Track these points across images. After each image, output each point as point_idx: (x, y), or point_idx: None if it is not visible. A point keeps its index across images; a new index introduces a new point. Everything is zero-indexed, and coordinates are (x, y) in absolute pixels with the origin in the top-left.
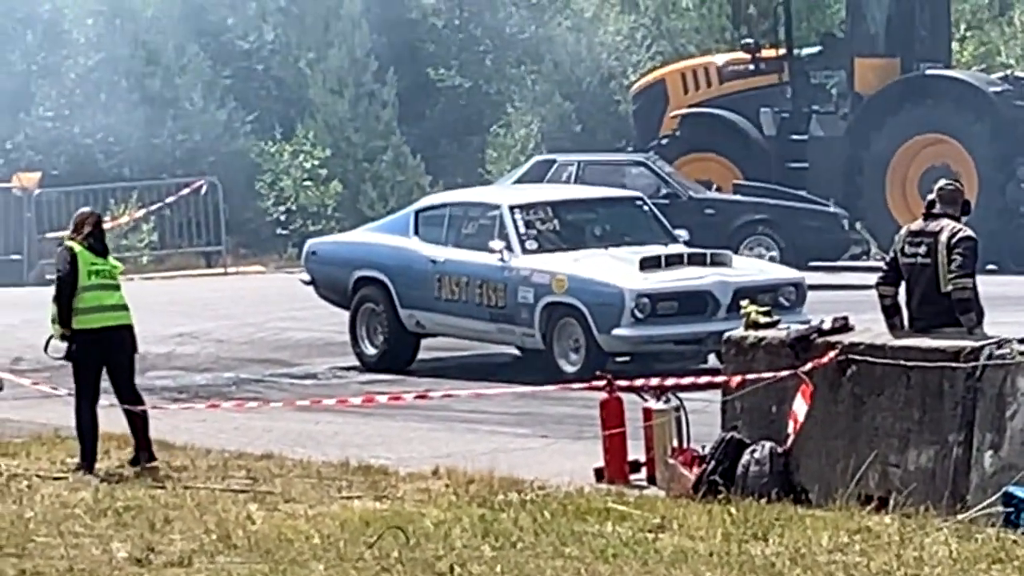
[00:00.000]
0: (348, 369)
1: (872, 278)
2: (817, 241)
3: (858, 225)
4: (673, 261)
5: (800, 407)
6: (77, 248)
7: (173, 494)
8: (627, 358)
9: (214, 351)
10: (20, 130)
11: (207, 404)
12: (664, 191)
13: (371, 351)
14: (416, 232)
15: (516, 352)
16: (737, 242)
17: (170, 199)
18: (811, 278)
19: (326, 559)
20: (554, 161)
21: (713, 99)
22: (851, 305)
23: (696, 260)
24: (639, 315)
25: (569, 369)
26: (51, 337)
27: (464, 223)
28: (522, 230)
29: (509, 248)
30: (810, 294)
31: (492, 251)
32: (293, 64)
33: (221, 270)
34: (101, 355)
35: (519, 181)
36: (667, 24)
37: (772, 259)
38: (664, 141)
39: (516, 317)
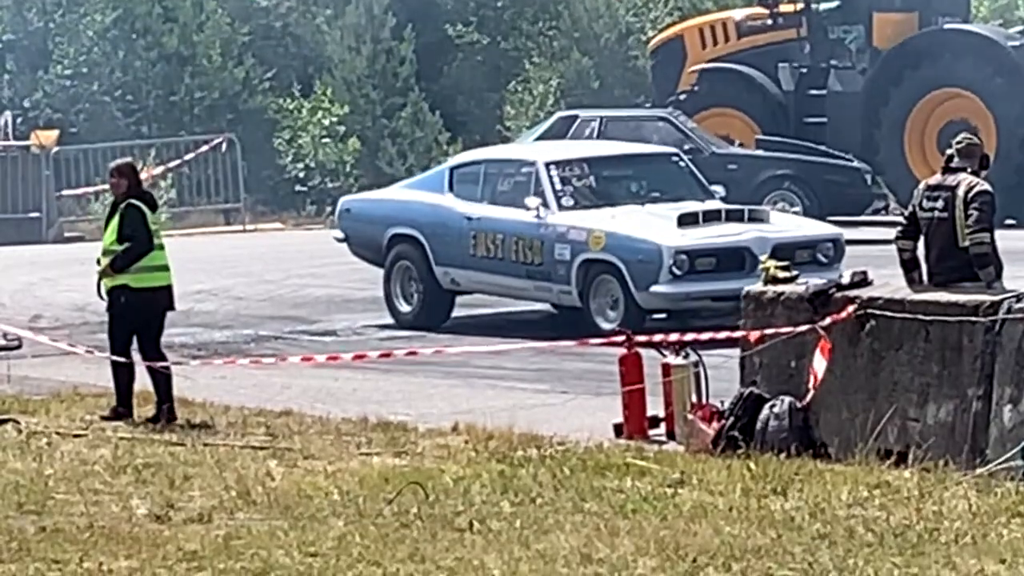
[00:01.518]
0: (380, 327)
1: (892, 233)
2: (840, 196)
3: (880, 180)
4: (711, 217)
5: (819, 363)
6: (144, 208)
7: (192, 451)
8: (664, 315)
9: (233, 308)
10: (38, 88)
11: (225, 361)
12: (687, 146)
13: (406, 309)
14: (451, 189)
15: (551, 310)
16: (760, 197)
17: (188, 156)
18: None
19: (345, 515)
20: (576, 117)
21: (731, 54)
22: (871, 260)
23: (734, 216)
24: (677, 272)
25: (606, 326)
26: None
27: (499, 180)
28: (558, 187)
29: (545, 205)
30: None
31: (528, 208)
32: (311, 21)
33: (240, 227)
34: (145, 312)
35: (541, 137)
36: None
37: (795, 214)
38: (682, 97)
39: (553, 274)
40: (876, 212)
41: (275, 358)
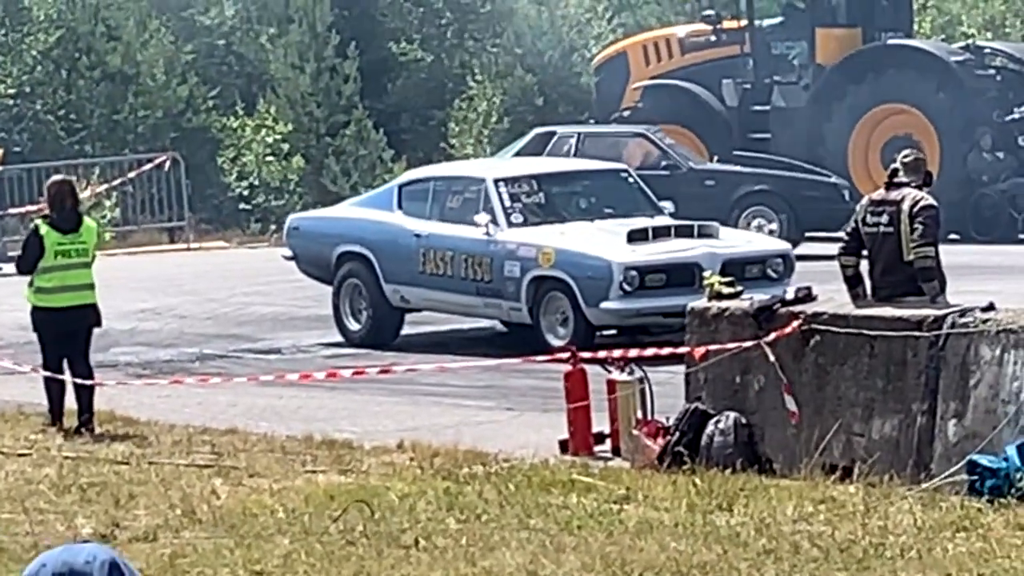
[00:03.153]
0: (325, 344)
1: None
2: (817, 212)
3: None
4: (660, 233)
5: (790, 403)
6: (44, 229)
7: (138, 470)
8: (615, 331)
9: (177, 327)
10: None
11: (170, 380)
12: (664, 163)
13: (355, 326)
14: (400, 206)
15: (500, 327)
16: (737, 213)
17: (132, 175)
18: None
19: (291, 533)
20: (554, 133)
21: (675, 71)
22: (821, 276)
23: (683, 232)
24: (627, 288)
25: (556, 343)
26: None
27: (448, 197)
28: (507, 203)
29: (494, 222)
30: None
31: (477, 225)
32: (254, 39)
33: (184, 246)
34: (60, 330)
35: (518, 154)
36: None
37: (771, 232)
38: (626, 113)
39: (503, 291)
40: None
41: (220, 376)
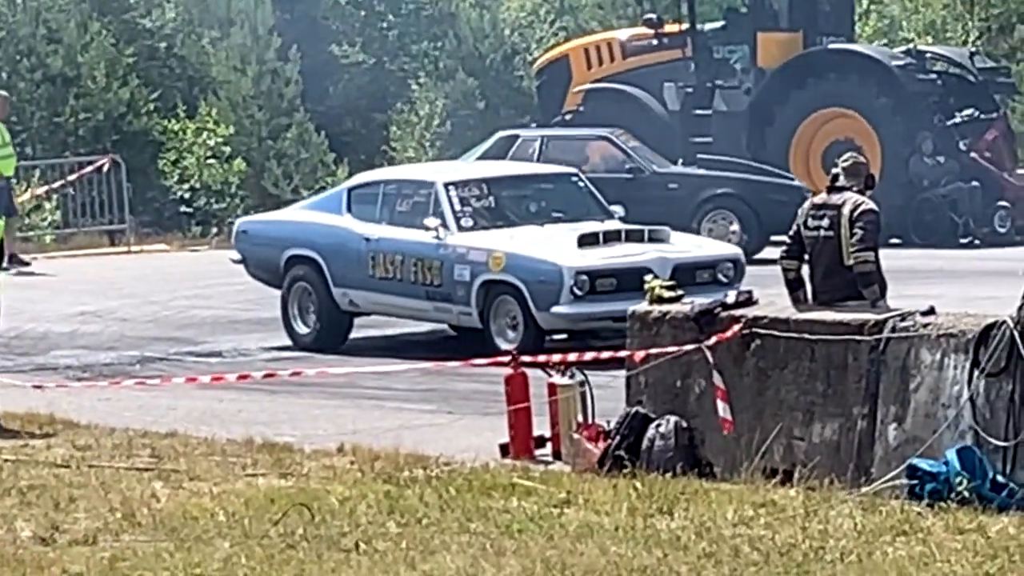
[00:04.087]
0: (266, 348)
1: None
2: (781, 215)
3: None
4: (611, 237)
5: (723, 409)
6: None
7: (77, 473)
8: (565, 335)
9: (118, 330)
10: None
11: (110, 382)
12: (628, 166)
13: (304, 330)
14: (349, 210)
15: (448, 331)
16: (700, 216)
17: (72, 178)
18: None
19: (231, 536)
20: (517, 136)
21: (616, 74)
22: (762, 280)
23: (634, 236)
24: (578, 292)
25: (506, 347)
26: None
27: (398, 200)
28: (457, 207)
29: (444, 226)
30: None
31: (427, 229)
32: (196, 42)
33: (125, 248)
34: None
35: (481, 158)
36: (570, 0)
37: (733, 235)
38: (568, 116)
39: (452, 295)
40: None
41: (159, 379)
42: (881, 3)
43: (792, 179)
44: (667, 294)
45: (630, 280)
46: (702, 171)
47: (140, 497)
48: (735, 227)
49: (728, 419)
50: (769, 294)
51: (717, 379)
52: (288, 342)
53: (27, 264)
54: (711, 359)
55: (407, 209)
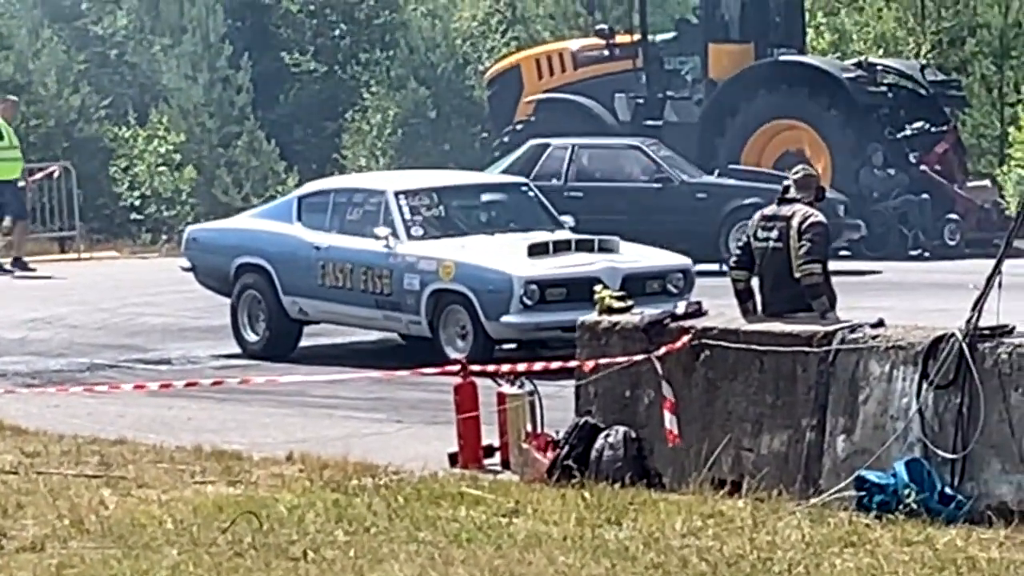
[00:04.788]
0: (215, 356)
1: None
2: None
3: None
4: (561, 247)
5: (669, 420)
6: None
7: (26, 479)
8: (515, 345)
9: (68, 336)
10: None
11: (59, 389)
12: (658, 175)
13: (254, 338)
14: (299, 218)
15: (398, 339)
16: (728, 227)
17: (22, 184)
18: None
19: (179, 544)
20: (548, 145)
21: (568, 85)
22: (712, 291)
23: (584, 246)
24: (528, 302)
25: (456, 356)
26: None
27: (348, 209)
28: (407, 216)
29: (395, 234)
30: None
31: (377, 237)
32: (147, 49)
33: (75, 255)
34: None
35: (512, 165)
36: (522, 10)
37: None
38: (519, 127)
39: (402, 304)
40: (851, 243)
41: (108, 386)
42: (833, 15)
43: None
44: (617, 304)
45: (580, 290)
46: (731, 181)
47: (88, 504)
48: None
49: (674, 431)
50: (719, 305)
51: (666, 390)
52: (237, 350)
53: (32, 269)
54: (660, 370)
55: (357, 218)
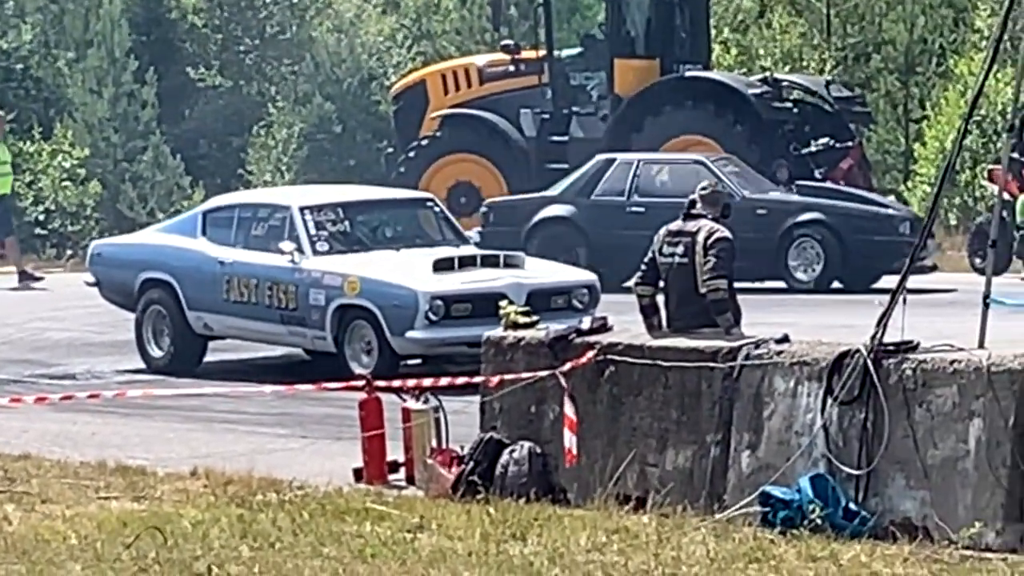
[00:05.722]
0: (120, 371)
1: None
2: (869, 245)
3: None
4: (466, 263)
5: (569, 439)
6: None
7: None
8: (420, 360)
9: None
10: None
11: None
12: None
13: (158, 353)
14: (204, 233)
15: (303, 355)
16: (787, 243)
17: None
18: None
19: (83, 559)
20: (614, 160)
21: (474, 100)
22: (617, 306)
23: (489, 262)
24: (433, 317)
25: (361, 372)
26: None
27: (253, 224)
28: (312, 231)
29: (300, 250)
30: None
31: (282, 252)
32: (52, 64)
33: None
34: None
35: (579, 180)
36: (428, 25)
37: (816, 265)
38: (424, 142)
39: (307, 319)
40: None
41: (9, 399)
42: (739, 32)
43: (887, 206)
44: (522, 320)
45: (485, 306)
46: (794, 197)
47: None
48: (819, 256)
49: (572, 451)
50: (624, 321)
51: (568, 408)
52: (142, 365)
53: (40, 279)
54: (565, 385)
55: (262, 233)
